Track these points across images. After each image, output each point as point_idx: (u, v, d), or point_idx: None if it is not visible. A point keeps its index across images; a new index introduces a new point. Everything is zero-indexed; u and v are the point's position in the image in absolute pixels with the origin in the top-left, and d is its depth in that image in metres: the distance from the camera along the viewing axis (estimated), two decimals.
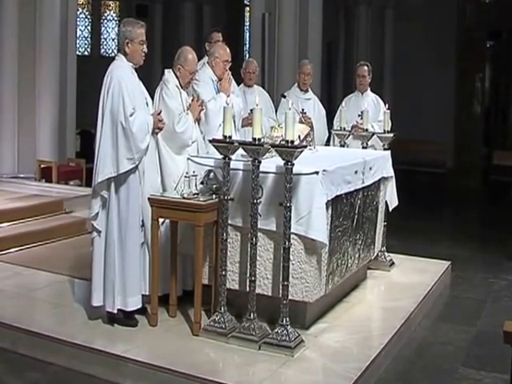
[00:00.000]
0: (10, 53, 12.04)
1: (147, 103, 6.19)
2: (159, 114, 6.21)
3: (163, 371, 5.32)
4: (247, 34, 21.10)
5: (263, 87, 10.52)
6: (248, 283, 5.79)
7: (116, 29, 21.61)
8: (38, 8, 12.15)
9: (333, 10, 19.04)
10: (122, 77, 5.96)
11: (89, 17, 22.10)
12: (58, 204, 10.02)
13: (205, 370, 5.28)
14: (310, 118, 8.41)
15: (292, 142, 5.52)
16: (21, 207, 9.55)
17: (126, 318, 6.09)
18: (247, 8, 21.65)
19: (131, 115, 5.85)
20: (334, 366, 5.50)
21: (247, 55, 18.47)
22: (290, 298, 5.68)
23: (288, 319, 5.65)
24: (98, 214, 6.05)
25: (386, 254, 8.35)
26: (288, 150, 5.49)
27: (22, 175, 11.76)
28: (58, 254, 8.55)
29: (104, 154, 5.88)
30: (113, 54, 21.07)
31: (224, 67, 7.04)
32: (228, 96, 6.63)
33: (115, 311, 6.04)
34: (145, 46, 6.15)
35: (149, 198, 5.99)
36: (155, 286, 6.05)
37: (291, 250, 5.68)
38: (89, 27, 22.07)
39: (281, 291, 5.67)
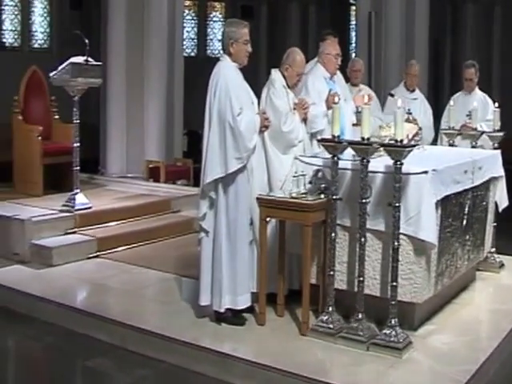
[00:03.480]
0: (119, 54, 12.31)
1: (253, 102, 6.21)
2: (264, 112, 6.22)
3: (270, 370, 5.33)
4: (353, 33, 21.00)
5: (369, 86, 10.42)
6: (356, 283, 5.74)
7: (222, 30, 21.75)
8: (146, 10, 12.37)
9: (439, 7, 18.70)
10: (228, 77, 6.00)
11: (195, 18, 22.40)
12: (166, 203, 10.13)
13: (312, 370, 5.26)
14: (415, 119, 8.26)
15: (401, 141, 5.44)
16: (129, 206, 9.71)
17: (234, 317, 6.13)
18: (353, 7, 21.53)
19: (239, 115, 5.88)
20: (443, 368, 5.39)
21: (353, 54, 18.35)
22: (398, 298, 5.60)
23: (396, 320, 5.57)
24: (205, 214, 6.09)
25: (496, 255, 8.12)
26: (397, 150, 5.42)
27: (130, 175, 11.97)
28: (165, 252, 8.66)
29: (212, 155, 5.93)
30: (219, 55, 21.26)
31: (336, 62, 7.02)
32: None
33: (223, 310, 6.08)
34: (249, 45, 6.18)
35: (257, 198, 6.01)
36: (263, 285, 6.06)
37: (400, 250, 5.59)
38: (195, 28, 22.37)
39: (389, 292, 5.60)
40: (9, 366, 6.42)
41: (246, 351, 5.63)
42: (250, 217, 6.11)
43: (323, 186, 5.94)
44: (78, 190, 9.04)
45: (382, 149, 5.68)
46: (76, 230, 8.67)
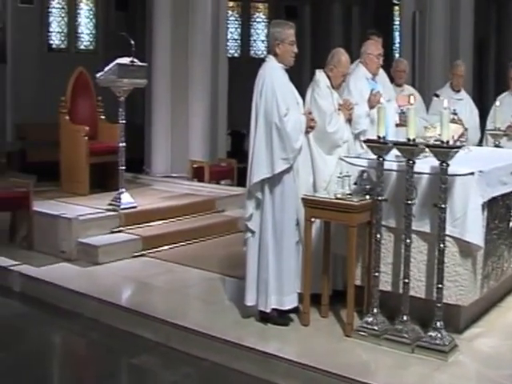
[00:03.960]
0: (164, 54, 12.40)
1: (298, 103, 6.22)
2: (310, 113, 6.23)
3: (314, 371, 5.32)
4: (396, 33, 20.88)
5: (413, 86, 10.36)
6: (401, 285, 5.72)
7: (265, 30, 21.87)
8: (191, 11, 12.45)
9: (484, 5, 18.51)
10: (274, 78, 6.02)
11: (238, 19, 22.47)
12: (211, 203, 10.19)
13: (356, 371, 5.25)
14: (461, 120, 8.20)
15: (447, 142, 5.41)
16: (174, 206, 9.78)
17: (279, 317, 6.14)
18: (396, 7, 21.41)
19: (285, 116, 5.89)
20: (489, 372, 5.34)
21: (396, 54, 18.25)
22: (444, 301, 5.56)
23: (442, 323, 5.53)
24: (252, 214, 6.10)
25: None
26: (443, 151, 5.39)
27: (174, 175, 12.05)
28: (209, 251, 8.71)
29: (258, 155, 5.95)
30: (262, 56, 21.34)
31: (378, 62, 7.00)
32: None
33: (268, 310, 6.10)
34: (295, 46, 6.18)
35: (302, 198, 6.01)
36: (307, 285, 6.06)
37: (445, 252, 5.55)
38: (238, 29, 22.44)
39: (435, 294, 5.56)
40: (55, 360, 6.56)
41: (290, 351, 5.63)
42: (295, 217, 6.11)
43: (368, 186, 5.93)
44: (124, 190, 9.14)
45: (427, 150, 5.65)
46: (121, 228, 8.78)
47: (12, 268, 7.97)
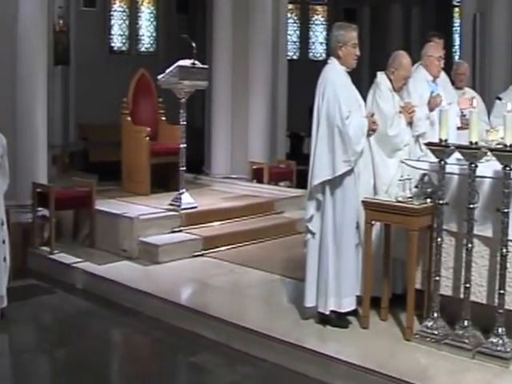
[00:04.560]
0: (224, 57, 12.45)
1: (360, 105, 6.22)
2: (372, 116, 6.23)
3: (373, 374, 5.33)
4: (456, 35, 20.63)
5: (474, 89, 10.25)
6: (462, 290, 5.67)
7: (324, 33, 21.86)
8: (251, 14, 12.48)
9: None
10: (336, 81, 6.03)
11: (297, 21, 22.48)
12: (270, 204, 10.22)
13: (415, 376, 5.23)
14: None
15: (510, 145, 5.35)
16: (233, 206, 9.83)
17: (338, 319, 6.15)
18: (456, 9, 21.17)
19: (347, 118, 5.90)
20: None
21: (456, 57, 18.05)
22: (506, 307, 5.49)
23: (504, 329, 5.47)
24: (312, 216, 6.12)
25: None
26: (507, 154, 5.33)
27: (234, 176, 12.11)
28: (269, 253, 8.75)
29: (320, 157, 5.96)
30: (321, 58, 21.34)
31: (438, 64, 6.96)
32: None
33: (327, 312, 6.11)
34: (357, 49, 6.18)
35: (362, 201, 6.02)
36: (368, 288, 6.07)
37: (508, 257, 5.48)
38: (297, 32, 22.45)
39: (496, 300, 5.50)
40: (117, 357, 6.67)
41: (349, 354, 5.63)
42: (356, 220, 6.12)
43: (429, 190, 5.90)
44: (184, 190, 9.24)
45: (489, 153, 5.60)
46: (182, 228, 8.88)
47: (75, 265, 8.17)
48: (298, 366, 5.74)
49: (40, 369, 6.20)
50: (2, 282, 6.86)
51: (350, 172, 5.99)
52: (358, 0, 22.03)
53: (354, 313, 6.25)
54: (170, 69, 9.17)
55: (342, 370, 5.50)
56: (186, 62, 9.21)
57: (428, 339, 5.75)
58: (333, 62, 6.17)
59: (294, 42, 22.30)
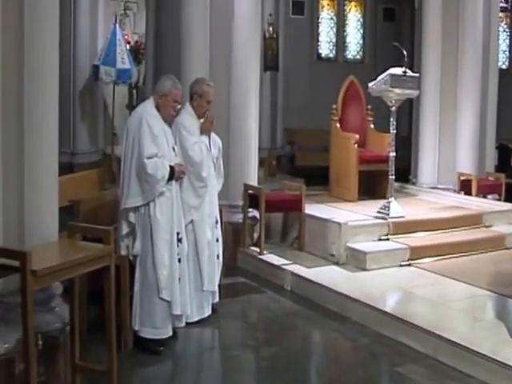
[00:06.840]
0: (433, 66, 12.29)
1: None
2: None
3: None
4: None
5: None
6: None
7: None
8: (461, 22, 12.26)
9: None
10: None
11: (507, 30, 21.74)
12: (477, 217, 9.97)
13: None
14: None
15: None
16: (440, 218, 9.69)
17: None
18: None
19: None
20: None
21: None
22: None
23: None
24: None
25: None
26: None
27: (441, 186, 11.94)
28: (476, 267, 8.56)
29: None
30: None
31: None
32: None
33: None
34: None
35: None
36: None
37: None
38: (507, 40, 21.71)
39: None
40: (322, 359, 6.79)
41: None
42: None
43: None
44: (393, 198, 9.25)
45: None
46: (389, 237, 8.88)
47: (284, 267, 8.38)
48: None
49: (245, 365, 6.42)
50: (215, 278, 7.15)
51: None
52: None
53: None
54: (382, 76, 9.21)
55: None
56: (398, 70, 9.22)
57: None
58: None
59: (503, 51, 21.57)
